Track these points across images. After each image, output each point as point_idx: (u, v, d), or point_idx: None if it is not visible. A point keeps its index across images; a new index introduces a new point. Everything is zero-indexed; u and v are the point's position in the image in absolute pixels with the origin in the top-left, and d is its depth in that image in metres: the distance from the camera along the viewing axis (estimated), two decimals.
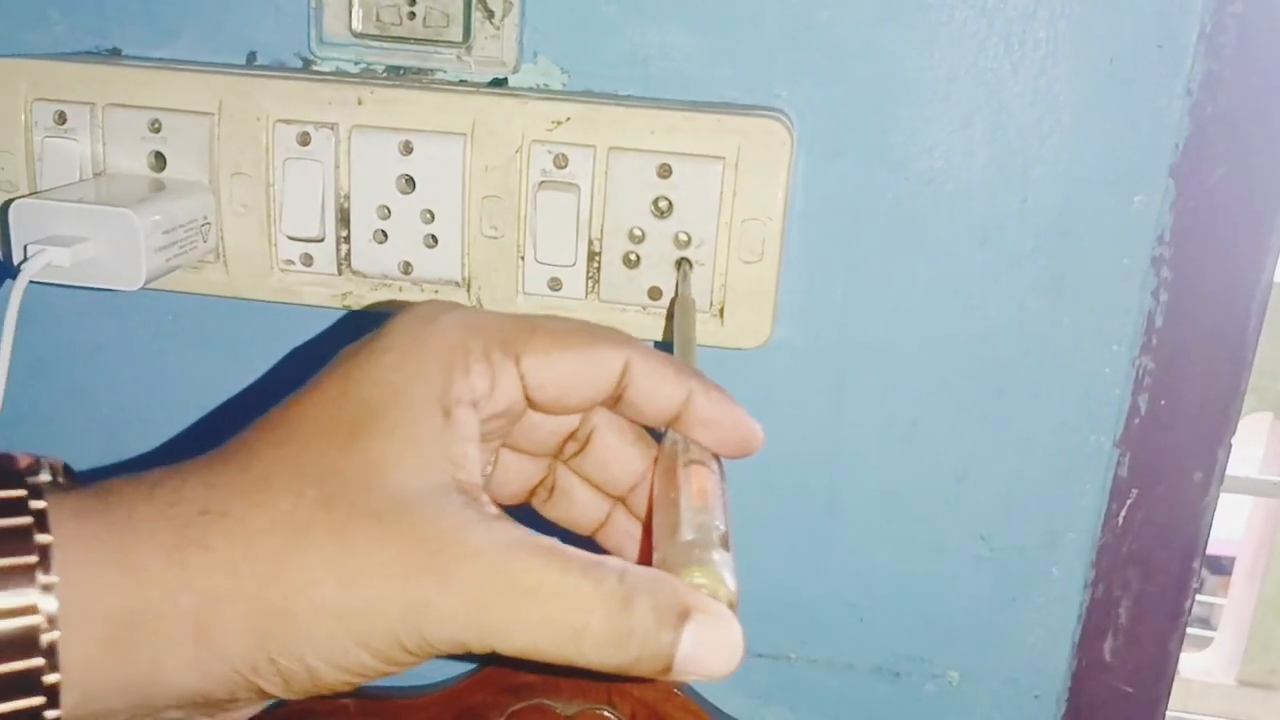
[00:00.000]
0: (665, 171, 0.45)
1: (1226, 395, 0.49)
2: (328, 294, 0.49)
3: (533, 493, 0.38)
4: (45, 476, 0.29)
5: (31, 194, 0.46)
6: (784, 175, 0.45)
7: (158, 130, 0.47)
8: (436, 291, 0.48)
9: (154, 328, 0.54)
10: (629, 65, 0.48)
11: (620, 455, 0.36)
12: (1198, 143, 0.46)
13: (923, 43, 0.46)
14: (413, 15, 0.48)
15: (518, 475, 0.37)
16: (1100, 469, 0.50)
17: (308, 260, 0.48)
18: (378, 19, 0.48)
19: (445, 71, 0.49)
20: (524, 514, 0.36)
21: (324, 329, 0.53)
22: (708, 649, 0.28)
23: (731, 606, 0.29)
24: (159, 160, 0.47)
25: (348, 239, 0.47)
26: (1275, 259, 0.48)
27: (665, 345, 0.48)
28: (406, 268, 0.47)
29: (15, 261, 0.42)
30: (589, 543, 0.38)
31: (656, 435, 0.38)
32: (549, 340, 0.32)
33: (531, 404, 0.33)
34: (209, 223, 0.47)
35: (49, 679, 0.26)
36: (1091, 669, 0.53)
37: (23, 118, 0.47)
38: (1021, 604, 0.52)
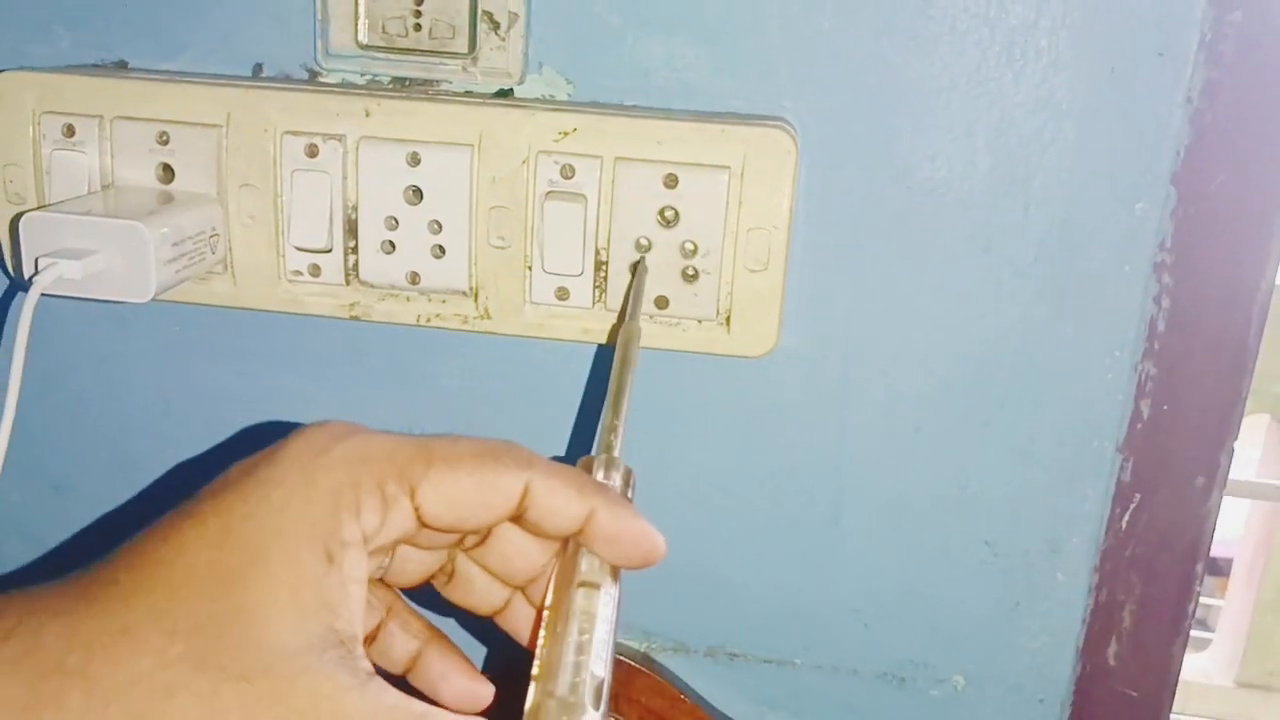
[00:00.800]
0: (671, 181, 0.45)
1: (1228, 400, 0.50)
2: (335, 304, 0.49)
3: (432, 577, 0.37)
4: None
5: (41, 207, 0.46)
6: (789, 184, 0.45)
7: (166, 142, 0.47)
8: (444, 301, 0.48)
9: (161, 338, 0.54)
10: (633, 76, 0.48)
11: (521, 550, 0.36)
12: (1198, 150, 0.47)
13: (925, 52, 0.47)
14: (418, 27, 0.48)
15: (417, 565, 0.36)
16: (1103, 474, 0.51)
17: (315, 271, 0.48)
18: (383, 31, 0.49)
19: (451, 83, 0.49)
20: (424, 594, 0.38)
21: (331, 340, 0.53)
22: None
23: None
24: (167, 172, 0.48)
25: (355, 250, 0.48)
26: (1275, 265, 0.48)
27: (666, 355, 0.49)
28: (414, 278, 0.48)
29: (26, 274, 0.42)
30: (489, 623, 0.38)
31: None
32: (445, 469, 0.31)
33: (426, 528, 0.32)
34: (217, 234, 0.47)
35: None
36: (1095, 673, 0.53)
37: (31, 131, 0.48)
38: (1026, 609, 0.53)
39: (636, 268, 0.46)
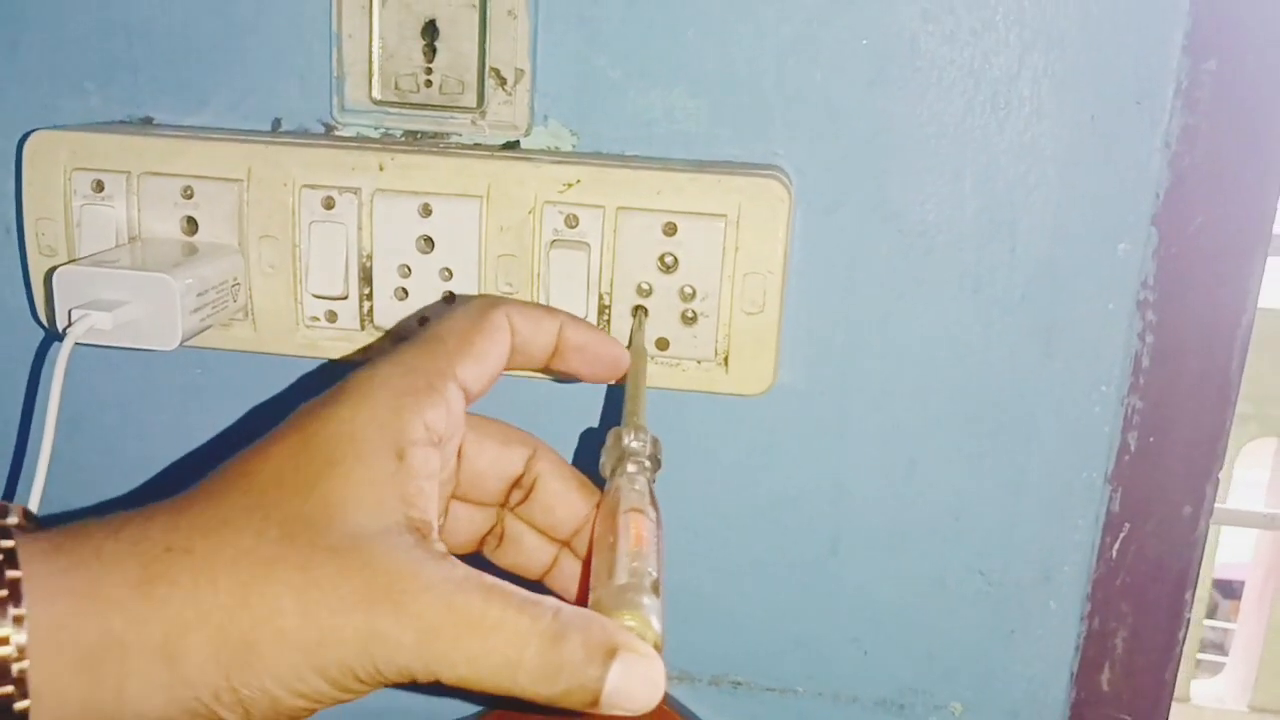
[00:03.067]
0: (671, 229, 0.47)
1: (1213, 432, 0.51)
2: (351, 348, 0.51)
3: (483, 541, 0.41)
4: (12, 519, 0.31)
5: (72, 260, 0.48)
6: (783, 231, 0.47)
7: (190, 196, 0.50)
8: None
9: (184, 381, 0.56)
10: (635, 127, 0.51)
11: (564, 500, 0.40)
12: (1178, 192, 0.49)
13: (913, 102, 0.49)
14: (429, 83, 0.51)
15: (468, 525, 0.40)
16: (1093, 504, 0.52)
17: (332, 317, 0.50)
18: (396, 87, 0.51)
19: (461, 135, 0.52)
20: (476, 561, 0.38)
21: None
22: (633, 684, 0.30)
23: (657, 647, 0.31)
24: (191, 224, 0.50)
25: (370, 296, 0.50)
26: (1255, 301, 0.50)
27: (668, 394, 0.51)
28: (426, 323, 0.50)
29: (60, 326, 0.44)
30: (539, 587, 0.40)
31: (599, 482, 0.40)
32: (461, 344, 0.37)
33: (469, 398, 0.37)
34: (239, 283, 0.50)
35: (19, 705, 0.28)
36: (1090, 699, 0.55)
37: (63, 186, 0.50)
38: (1020, 636, 0.54)
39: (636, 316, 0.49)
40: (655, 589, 0.33)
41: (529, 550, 0.41)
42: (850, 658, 0.56)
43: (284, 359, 0.53)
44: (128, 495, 0.59)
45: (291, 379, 0.55)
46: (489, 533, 0.41)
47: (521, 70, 0.50)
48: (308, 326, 0.51)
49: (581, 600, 0.34)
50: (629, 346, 0.45)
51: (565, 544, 0.41)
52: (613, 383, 0.44)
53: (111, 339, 0.44)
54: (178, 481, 0.58)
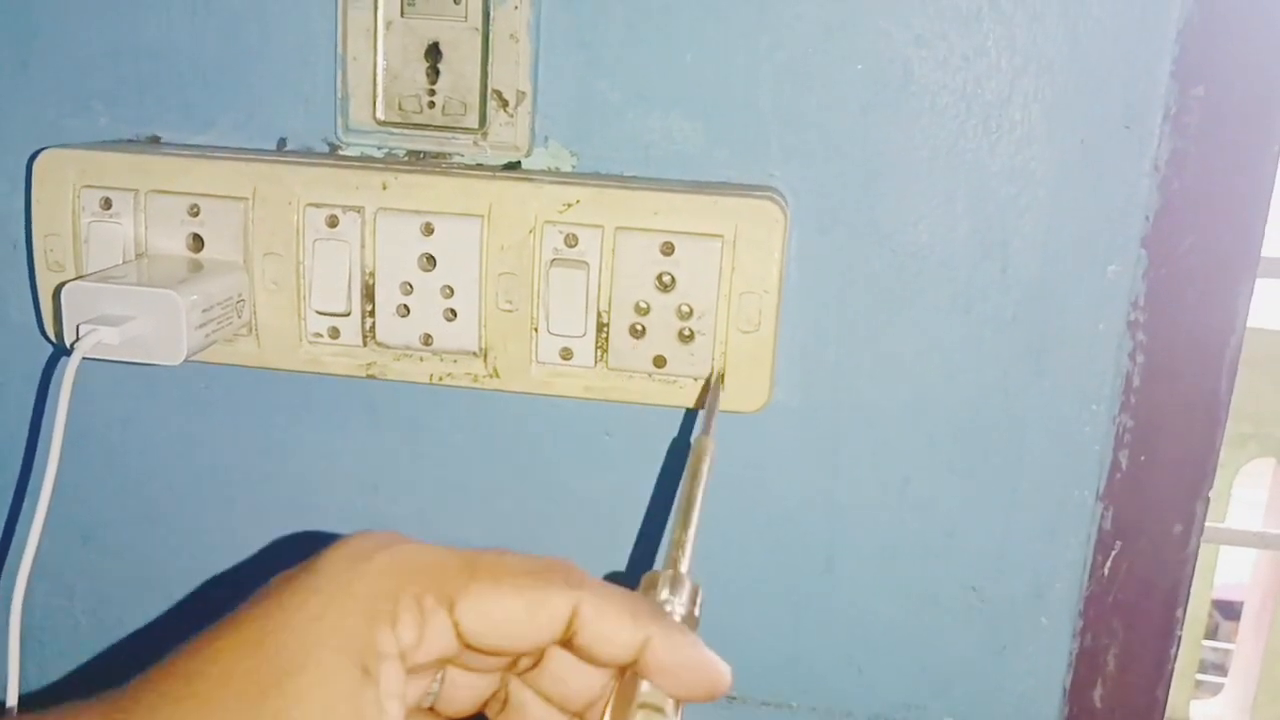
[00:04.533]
0: (668, 249, 0.48)
1: (1203, 451, 0.52)
2: (353, 364, 0.52)
3: (485, 704, 0.35)
4: None
5: (79, 276, 0.49)
6: (778, 251, 0.48)
7: (196, 214, 0.51)
8: (456, 361, 0.51)
9: (189, 396, 0.57)
10: (634, 148, 0.51)
11: (577, 672, 0.34)
12: (1167, 215, 0.49)
13: (907, 126, 0.50)
14: (432, 104, 0.52)
15: (468, 691, 0.35)
16: (1084, 522, 0.53)
17: (335, 333, 0.51)
18: (400, 108, 0.52)
19: (463, 155, 0.52)
20: None
21: (348, 397, 0.56)
22: None
23: None
24: (197, 242, 0.51)
25: (372, 313, 0.51)
26: (1244, 321, 0.51)
27: (665, 411, 0.51)
28: (427, 339, 0.51)
29: (68, 340, 0.45)
30: None
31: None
32: (488, 585, 0.30)
33: (468, 648, 0.31)
34: (243, 299, 0.51)
35: None
36: (1082, 715, 0.55)
37: (71, 203, 0.51)
38: (1013, 653, 0.55)
39: (710, 382, 0.48)
40: None
41: (536, 719, 0.35)
42: (845, 673, 0.56)
43: (287, 374, 0.53)
44: (132, 506, 0.60)
45: (295, 394, 0.56)
46: (492, 697, 0.35)
47: (523, 92, 0.51)
48: (311, 342, 0.52)
49: None
50: (703, 434, 0.40)
51: (577, 716, 0.35)
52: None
53: (118, 354, 0.45)
54: (181, 493, 0.59)
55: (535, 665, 0.34)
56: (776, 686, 0.57)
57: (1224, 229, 0.49)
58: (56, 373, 0.57)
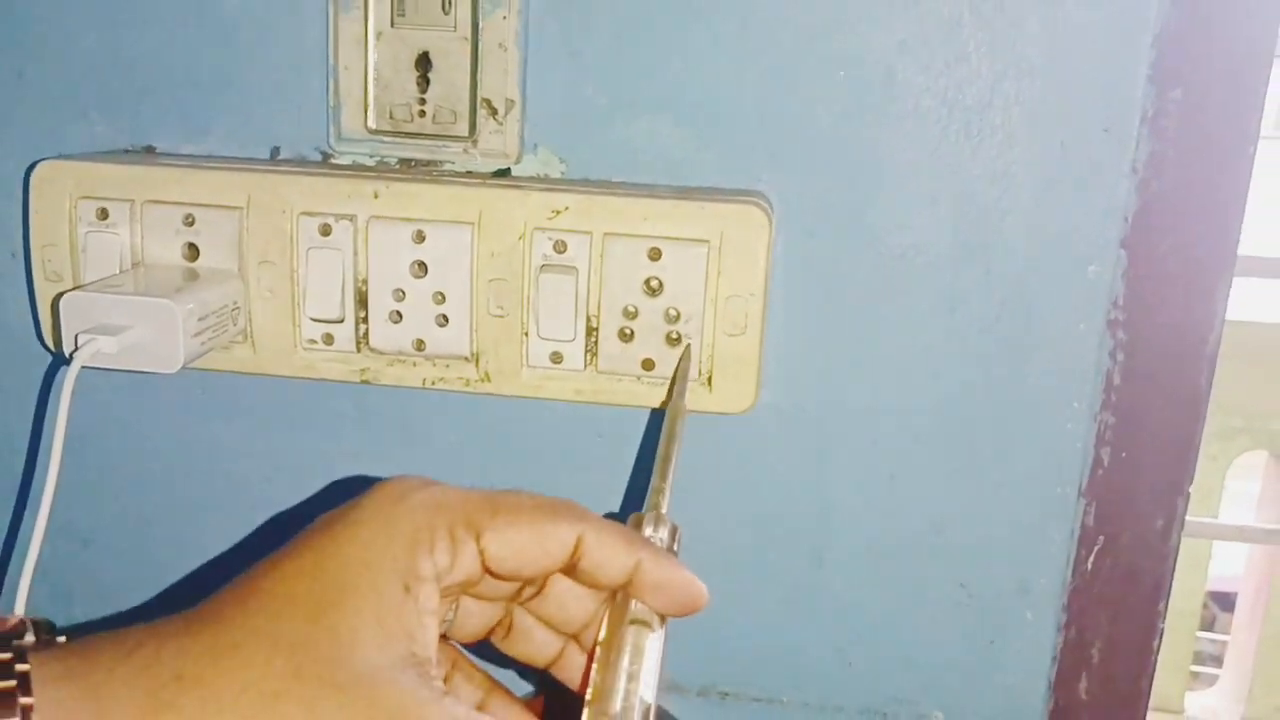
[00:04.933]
0: (656, 254, 0.49)
1: (1183, 446, 0.53)
2: (347, 370, 0.53)
3: (491, 631, 0.40)
4: (30, 638, 0.32)
5: (77, 286, 0.50)
6: (764, 255, 0.49)
7: (191, 224, 0.51)
8: (448, 365, 0.52)
9: (185, 402, 0.58)
10: (622, 154, 0.52)
11: (575, 597, 0.39)
12: (1145, 216, 0.50)
13: (891, 130, 0.50)
14: (423, 113, 0.53)
15: (478, 618, 0.40)
16: (1067, 518, 0.54)
17: (329, 339, 0.52)
18: (391, 116, 0.53)
19: (453, 163, 0.53)
20: (484, 649, 0.41)
21: (343, 402, 0.57)
22: None
23: None
24: (192, 251, 0.52)
25: (365, 319, 0.52)
26: (1222, 319, 0.52)
27: (660, 413, 0.52)
28: (420, 345, 0.51)
29: (66, 350, 0.46)
30: (544, 674, 0.41)
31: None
32: (508, 518, 0.35)
33: (490, 573, 0.36)
34: (238, 307, 0.51)
35: None
36: (1068, 707, 0.56)
37: (68, 214, 0.52)
38: (999, 646, 0.56)
39: (682, 354, 0.50)
40: (645, 718, 0.34)
41: (537, 643, 0.41)
42: (834, 668, 0.57)
43: (283, 380, 0.54)
44: (131, 511, 0.60)
45: (290, 399, 0.57)
46: (498, 624, 0.40)
47: (512, 100, 0.52)
48: (305, 349, 0.52)
49: (583, 692, 0.36)
50: (669, 399, 0.45)
51: (573, 637, 0.40)
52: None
53: (116, 362, 0.46)
54: (179, 498, 0.60)
55: (538, 594, 0.39)
56: (767, 682, 0.58)
57: (1202, 229, 0.50)
58: (56, 381, 0.58)
